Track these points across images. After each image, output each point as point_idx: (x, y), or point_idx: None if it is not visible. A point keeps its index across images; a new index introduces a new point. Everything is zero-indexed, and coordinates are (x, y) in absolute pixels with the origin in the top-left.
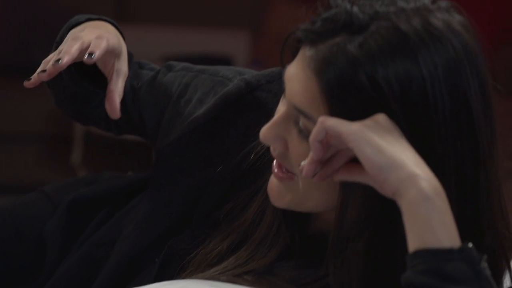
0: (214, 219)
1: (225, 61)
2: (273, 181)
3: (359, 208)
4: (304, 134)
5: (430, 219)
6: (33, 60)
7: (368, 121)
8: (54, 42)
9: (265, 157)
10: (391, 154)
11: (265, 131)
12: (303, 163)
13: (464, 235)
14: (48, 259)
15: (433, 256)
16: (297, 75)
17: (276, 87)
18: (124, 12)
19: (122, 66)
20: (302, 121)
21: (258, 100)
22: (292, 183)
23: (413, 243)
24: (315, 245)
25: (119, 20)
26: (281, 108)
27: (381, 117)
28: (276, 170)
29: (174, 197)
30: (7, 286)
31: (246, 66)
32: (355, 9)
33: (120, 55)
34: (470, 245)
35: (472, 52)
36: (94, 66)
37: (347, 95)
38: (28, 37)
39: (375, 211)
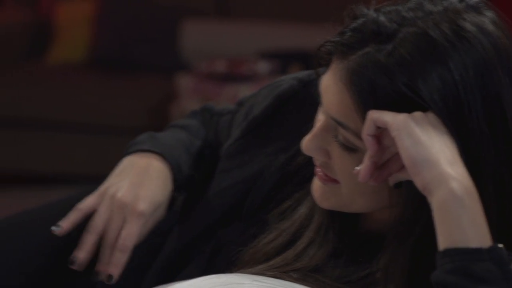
0: (262, 217)
1: None
2: (317, 182)
3: (412, 206)
4: (344, 143)
5: (459, 218)
6: (135, 56)
7: (416, 113)
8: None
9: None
10: (428, 149)
11: (307, 143)
12: (358, 167)
13: (503, 235)
14: None
15: (461, 256)
16: (330, 88)
17: None
18: (225, 7)
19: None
20: (340, 131)
21: (312, 95)
22: (336, 187)
23: (443, 242)
24: (364, 244)
25: (220, 15)
26: (321, 118)
27: (431, 112)
28: (319, 173)
29: (226, 189)
30: (66, 278)
31: None
32: (382, 17)
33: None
34: (501, 245)
35: (503, 49)
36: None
37: (380, 104)
38: (130, 33)
39: (425, 208)
